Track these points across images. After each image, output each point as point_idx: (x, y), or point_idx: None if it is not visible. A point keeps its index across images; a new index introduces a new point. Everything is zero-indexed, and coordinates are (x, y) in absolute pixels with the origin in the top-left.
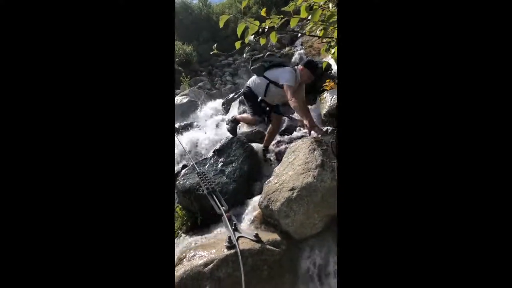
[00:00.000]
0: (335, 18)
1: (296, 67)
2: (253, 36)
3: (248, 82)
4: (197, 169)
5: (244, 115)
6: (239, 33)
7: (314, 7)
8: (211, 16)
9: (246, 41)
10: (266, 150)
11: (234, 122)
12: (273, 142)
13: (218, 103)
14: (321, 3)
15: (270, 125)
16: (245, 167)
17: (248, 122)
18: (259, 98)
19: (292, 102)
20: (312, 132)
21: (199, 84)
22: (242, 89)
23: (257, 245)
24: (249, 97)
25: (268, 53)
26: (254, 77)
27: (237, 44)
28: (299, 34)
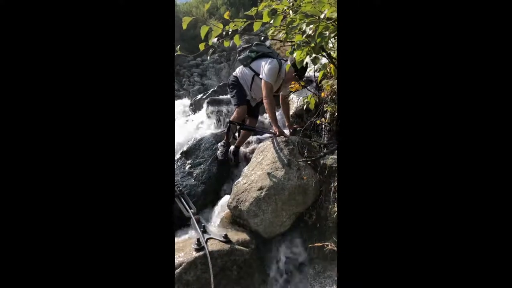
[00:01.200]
0: (295, 24)
1: (283, 60)
2: (216, 38)
3: (235, 72)
4: None
5: (232, 117)
6: (202, 35)
7: (278, 12)
8: (178, 15)
9: (210, 43)
10: (237, 150)
11: (227, 146)
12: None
13: (186, 103)
14: (284, 8)
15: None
16: (214, 168)
17: (239, 118)
18: (247, 96)
19: (265, 103)
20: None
21: None
22: (212, 89)
23: (226, 246)
24: (233, 85)
25: (255, 42)
26: (242, 67)
27: (201, 46)
28: (262, 38)
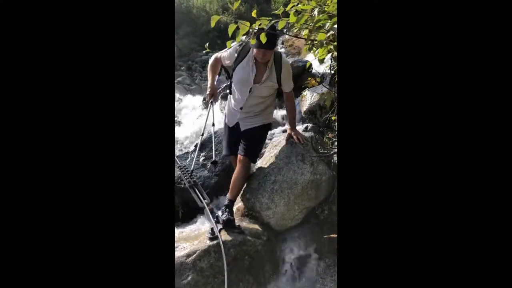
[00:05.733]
0: (319, 24)
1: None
2: (244, 36)
3: None
4: (178, 163)
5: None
6: (230, 33)
7: (300, 10)
8: (191, 10)
9: (237, 40)
10: (230, 204)
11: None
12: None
13: (197, 98)
14: (308, 10)
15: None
16: (227, 161)
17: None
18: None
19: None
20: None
21: (178, 79)
22: (224, 84)
23: (239, 236)
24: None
25: None
26: None
27: (228, 44)
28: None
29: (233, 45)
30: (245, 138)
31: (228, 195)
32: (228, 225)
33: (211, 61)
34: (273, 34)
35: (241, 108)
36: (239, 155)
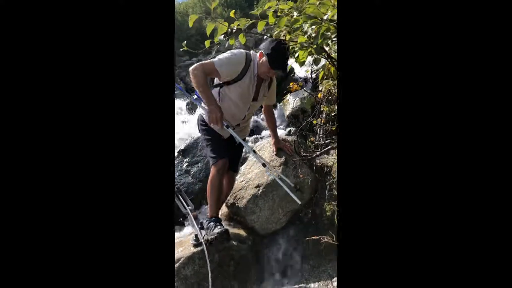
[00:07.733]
0: (298, 25)
1: (253, 51)
2: (223, 36)
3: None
4: None
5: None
6: (208, 32)
7: (279, 13)
8: (175, 15)
9: (216, 40)
10: (217, 220)
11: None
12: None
13: (182, 103)
14: (286, 9)
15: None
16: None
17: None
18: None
19: (191, 72)
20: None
21: None
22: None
23: (224, 242)
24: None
25: None
26: None
27: (207, 43)
28: (265, 37)
29: (227, 55)
30: (237, 152)
31: (215, 211)
32: (224, 238)
33: (198, 75)
34: (285, 57)
35: (238, 125)
36: (231, 171)
